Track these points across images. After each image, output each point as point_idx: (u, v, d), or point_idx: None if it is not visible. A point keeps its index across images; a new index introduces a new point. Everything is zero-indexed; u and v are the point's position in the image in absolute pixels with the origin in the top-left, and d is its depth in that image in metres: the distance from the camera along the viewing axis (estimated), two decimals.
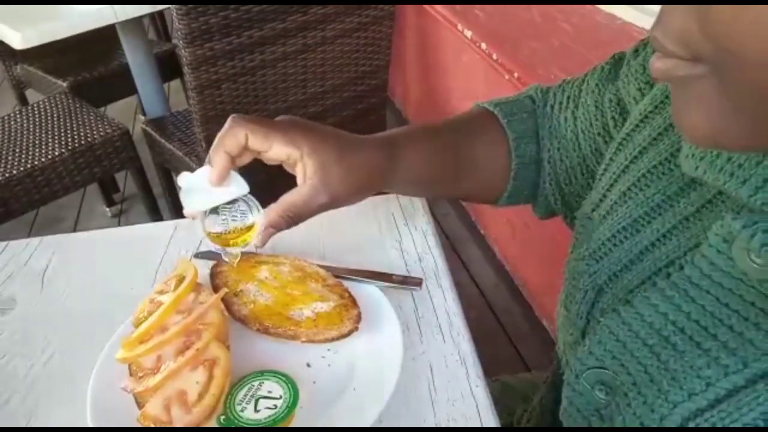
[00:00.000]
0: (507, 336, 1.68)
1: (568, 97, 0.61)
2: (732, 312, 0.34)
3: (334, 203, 0.54)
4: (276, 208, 0.53)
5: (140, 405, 0.48)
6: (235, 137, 0.51)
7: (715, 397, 0.33)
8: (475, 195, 0.67)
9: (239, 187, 0.53)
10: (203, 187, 0.52)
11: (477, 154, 0.62)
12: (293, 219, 0.54)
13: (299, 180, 0.53)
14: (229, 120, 0.51)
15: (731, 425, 0.32)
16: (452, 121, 0.64)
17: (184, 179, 0.53)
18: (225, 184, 0.53)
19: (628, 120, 0.51)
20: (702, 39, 0.28)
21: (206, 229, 0.54)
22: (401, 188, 0.60)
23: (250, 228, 0.54)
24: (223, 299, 0.56)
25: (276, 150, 0.51)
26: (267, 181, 0.59)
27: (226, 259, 0.57)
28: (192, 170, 0.53)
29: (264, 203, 0.55)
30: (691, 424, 0.34)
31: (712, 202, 0.40)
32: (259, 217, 0.54)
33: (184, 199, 0.53)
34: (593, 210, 0.50)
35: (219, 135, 0.51)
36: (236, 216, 0.54)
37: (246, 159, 0.53)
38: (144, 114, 1.98)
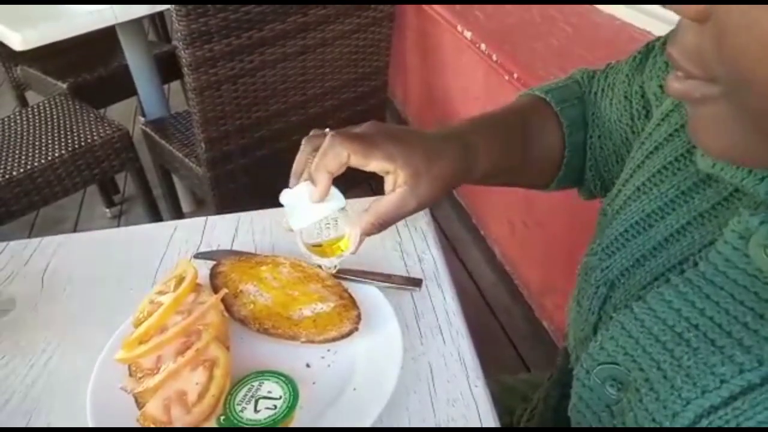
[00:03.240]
0: (507, 336, 1.68)
1: (609, 84, 0.61)
2: (747, 309, 0.34)
3: (421, 207, 0.55)
4: (367, 217, 0.55)
5: (140, 405, 0.48)
6: (338, 158, 0.51)
7: (729, 394, 0.33)
8: (530, 182, 0.67)
9: (338, 201, 0.55)
10: (305, 202, 0.54)
11: (535, 143, 0.63)
12: (383, 225, 0.55)
13: (387, 187, 0.54)
14: (328, 139, 0.51)
15: (745, 423, 0.31)
16: (510, 110, 0.64)
17: (286, 196, 0.54)
18: (325, 200, 0.54)
19: (651, 119, 0.51)
20: (716, 61, 0.28)
21: (304, 240, 0.56)
22: (477, 181, 0.61)
23: (342, 237, 0.56)
24: (222, 300, 0.56)
25: (373, 165, 0.52)
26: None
27: (325, 268, 0.59)
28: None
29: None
30: (705, 422, 0.33)
31: (728, 199, 0.40)
32: (353, 227, 0.56)
33: (290, 216, 0.55)
34: (608, 205, 0.51)
35: (320, 153, 0.52)
36: (330, 226, 0.56)
37: (341, 170, 0.54)
38: (144, 115, 1.98)
